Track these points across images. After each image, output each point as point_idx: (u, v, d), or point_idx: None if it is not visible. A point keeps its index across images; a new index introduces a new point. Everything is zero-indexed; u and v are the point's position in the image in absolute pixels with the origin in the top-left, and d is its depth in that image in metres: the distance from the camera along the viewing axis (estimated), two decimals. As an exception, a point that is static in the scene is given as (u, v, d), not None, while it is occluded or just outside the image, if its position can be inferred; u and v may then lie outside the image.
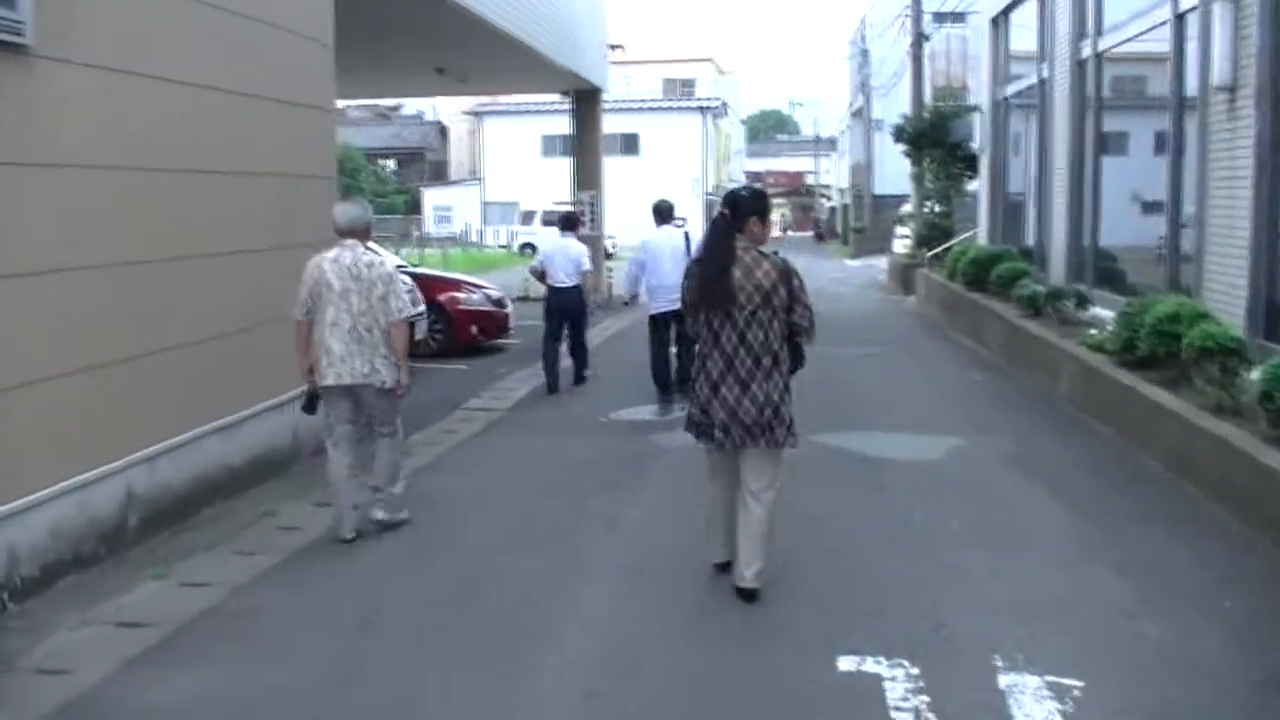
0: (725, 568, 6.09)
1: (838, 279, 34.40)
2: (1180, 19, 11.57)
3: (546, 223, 31.14)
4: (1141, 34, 12.93)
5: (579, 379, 13.37)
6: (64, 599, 6.05)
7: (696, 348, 6.02)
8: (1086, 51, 15.03)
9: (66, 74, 6.35)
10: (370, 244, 7.27)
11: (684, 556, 6.58)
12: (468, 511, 7.90)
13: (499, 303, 16.99)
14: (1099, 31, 14.58)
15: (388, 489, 7.23)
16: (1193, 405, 8.36)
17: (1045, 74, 17.17)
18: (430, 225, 41.03)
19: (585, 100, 24.38)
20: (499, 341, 17.24)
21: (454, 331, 16.08)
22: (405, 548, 7.03)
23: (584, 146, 24.52)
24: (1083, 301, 13.40)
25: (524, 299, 25.58)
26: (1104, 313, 13.29)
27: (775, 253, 6.00)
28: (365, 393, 6.97)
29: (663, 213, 12.44)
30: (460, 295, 16.25)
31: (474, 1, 14.96)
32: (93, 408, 6.65)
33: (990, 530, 7.17)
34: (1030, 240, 18.70)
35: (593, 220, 24.23)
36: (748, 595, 5.82)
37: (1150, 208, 13.69)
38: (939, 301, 21.19)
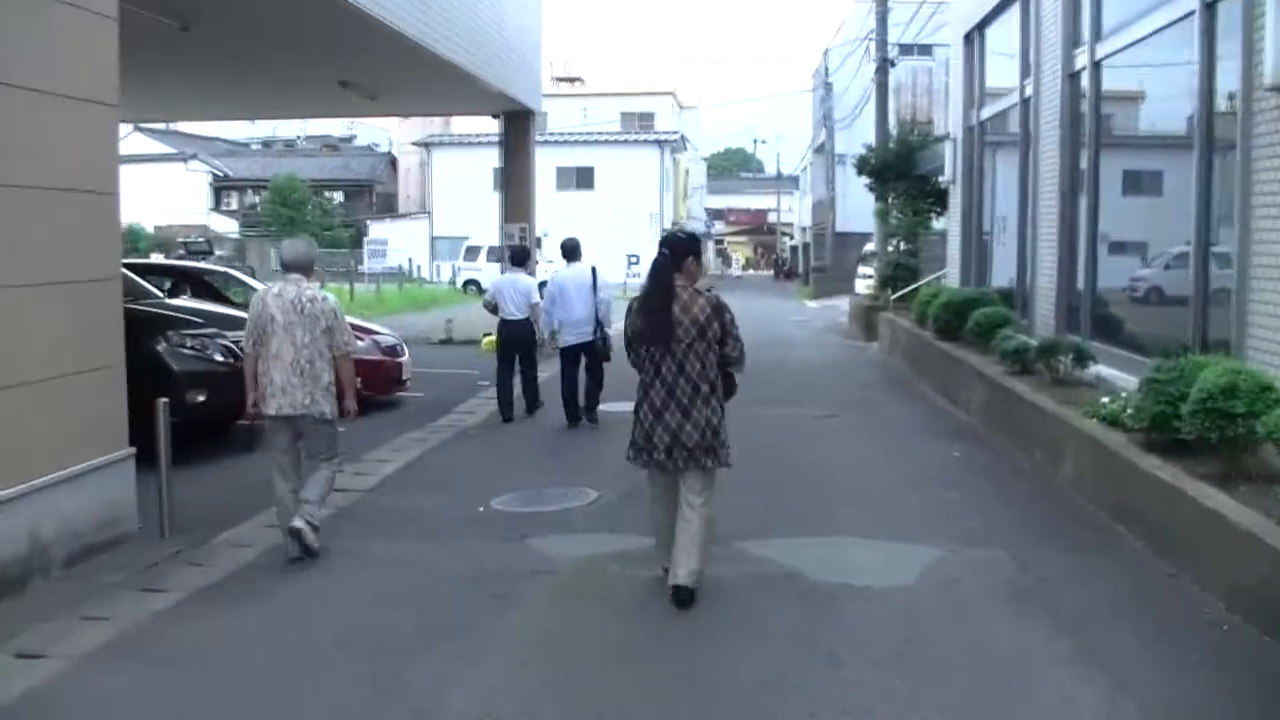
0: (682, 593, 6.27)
1: (797, 322, 32.01)
2: (1210, 8, 9.26)
3: (496, 259, 28.80)
4: (1155, 32, 10.61)
5: (531, 409, 13.39)
6: None
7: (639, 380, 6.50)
8: (1082, 61, 12.74)
9: None
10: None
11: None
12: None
13: (391, 350, 14.52)
14: (1097, 35, 12.29)
15: (315, 506, 7.27)
16: (1269, 519, 5.94)
17: (1029, 91, 14.88)
18: (365, 261, 38.21)
19: (516, 123, 21.97)
20: (397, 395, 14.77)
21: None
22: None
23: (514, 173, 22.08)
24: (1082, 357, 11.01)
25: (446, 342, 23.28)
26: (1108, 371, 10.99)
27: (710, 289, 6.66)
28: (304, 423, 7.25)
29: (570, 251, 12.99)
30: (359, 342, 13.66)
31: (369, 1, 12.57)
32: None
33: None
34: (1009, 282, 16.36)
35: (523, 255, 21.74)
36: (683, 593, 6.27)
37: (1164, 240, 11.45)
38: (905, 350, 18.81)
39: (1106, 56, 12.11)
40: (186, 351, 10.75)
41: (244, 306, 13.79)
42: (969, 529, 7.91)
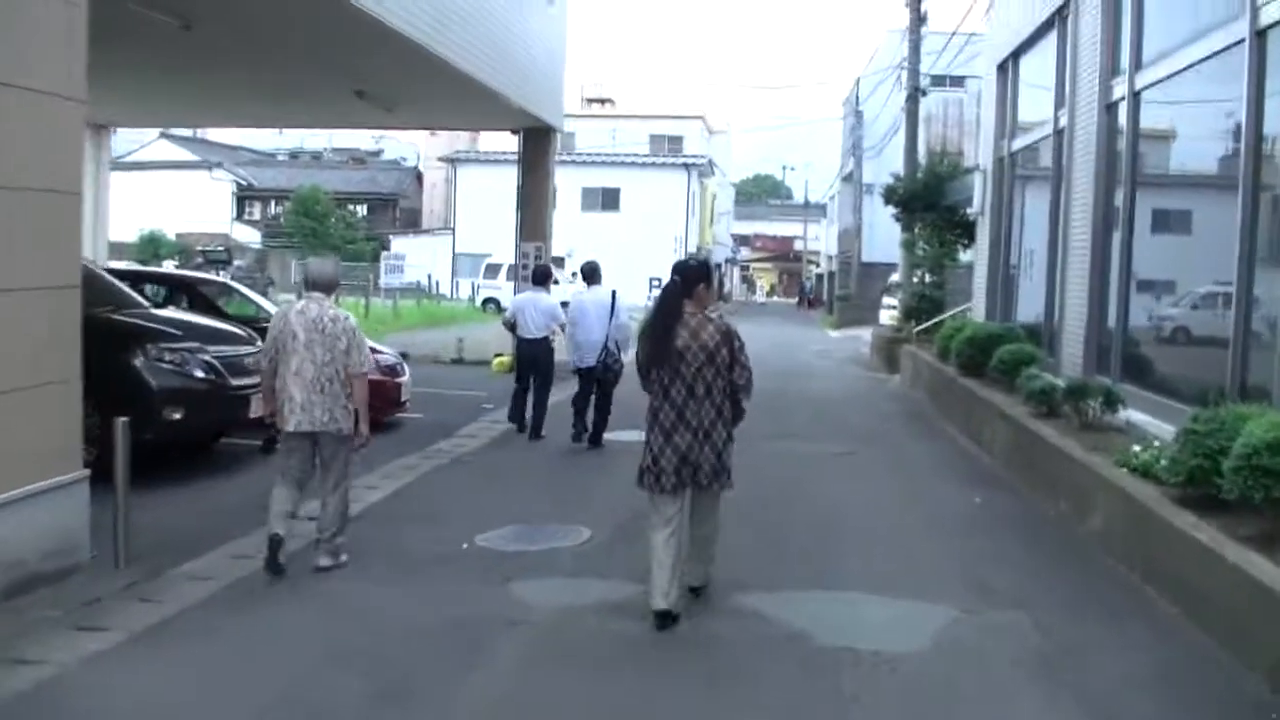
0: (666, 617, 6.34)
1: (818, 351, 31.39)
2: (1262, 36, 8.67)
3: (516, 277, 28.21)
4: (1201, 61, 10.01)
5: (536, 432, 13.25)
6: None
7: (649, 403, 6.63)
8: (1119, 91, 12.16)
9: None
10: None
11: None
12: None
13: (390, 370, 13.96)
14: (1137, 65, 11.70)
15: (332, 539, 7.44)
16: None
17: (1063, 122, 14.29)
18: (382, 275, 37.75)
19: (535, 140, 21.45)
20: (396, 416, 14.23)
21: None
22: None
23: (532, 191, 21.53)
24: (1112, 401, 10.40)
25: (458, 361, 22.76)
26: (1139, 417, 10.38)
27: (719, 316, 6.95)
28: (324, 439, 7.38)
29: (590, 274, 13.05)
30: (340, 359, 13.16)
31: (379, 8, 12.09)
32: None
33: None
34: (1036, 318, 15.74)
35: (538, 275, 21.23)
36: (698, 592, 6.81)
37: (1194, 279, 10.87)
38: (927, 385, 18.20)
39: (1146, 87, 11.51)
40: (165, 366, 10.24)
41: (238, 319, 13.55)
42: (988, 586, 7.31)
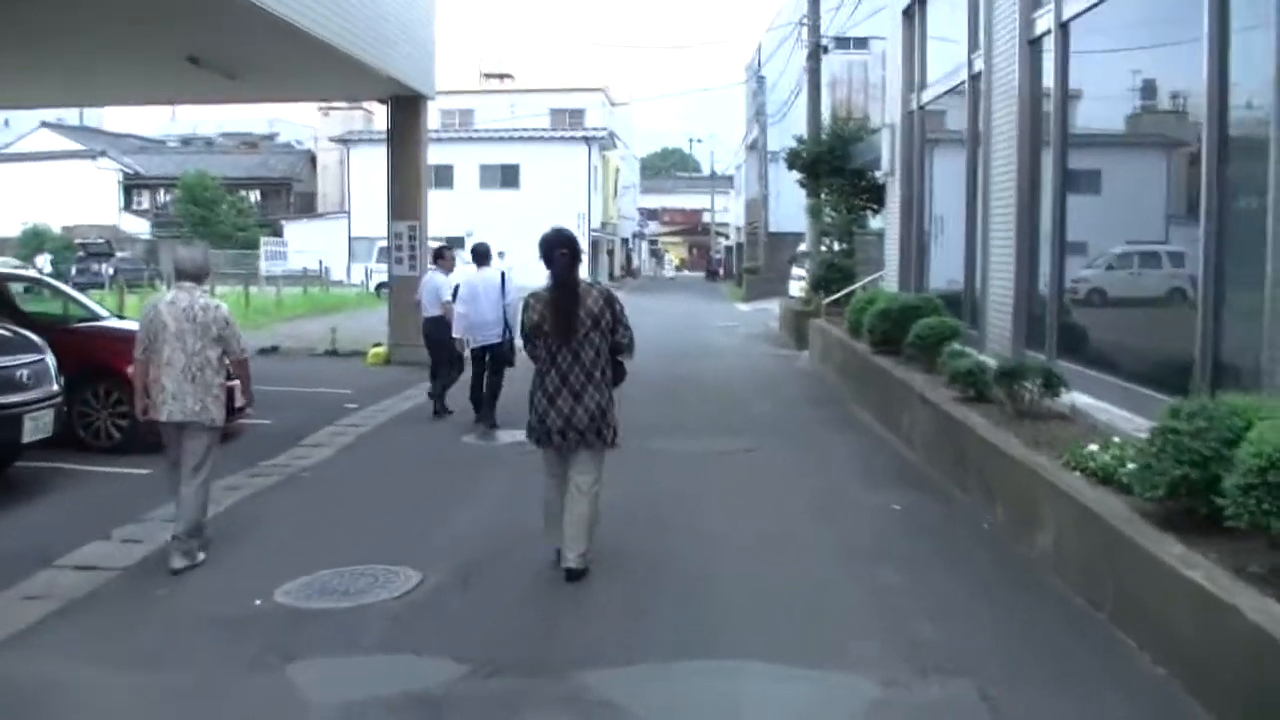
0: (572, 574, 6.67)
1: (723, 328, 29.70)
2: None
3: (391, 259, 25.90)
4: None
5: (440, 409, 13.51)
6: None
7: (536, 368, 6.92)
8: (1044, 24, 10.60)
9: None
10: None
11: None
12: None
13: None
14: (1064, -10, 10.16)
15: (188, 539, 7.22)
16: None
17: (979, 66, 12.75)
18: (263, 263, 35.49)
19: (404, 110, 19.50)
20: (235, 422, 12.28)
21: (147, 415, 11.13)
22: None
23: (402, 166, 19.55)
24: (1052, 383, 8.82)
25: (331, 353, 20.81)
26: (1085, 400, 8.88)
27: (598, 282, 8.18)
28: (191, 428, 7.28)
29: (480, 256, 13.16)
30: (157, 363, 11.27)
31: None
32: None
33: None
34: (955, 287, 14.23)
35: (412, 257, 19.35)
36: (575, 575, 6.70)
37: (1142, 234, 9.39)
38: (839, 363, 16.62)
39: (1076, 16, 9.96)
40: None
41: (43, 319, 11.68)
42: (918, 639, 5.63)
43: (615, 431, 6.93)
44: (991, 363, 10.11)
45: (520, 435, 11.22)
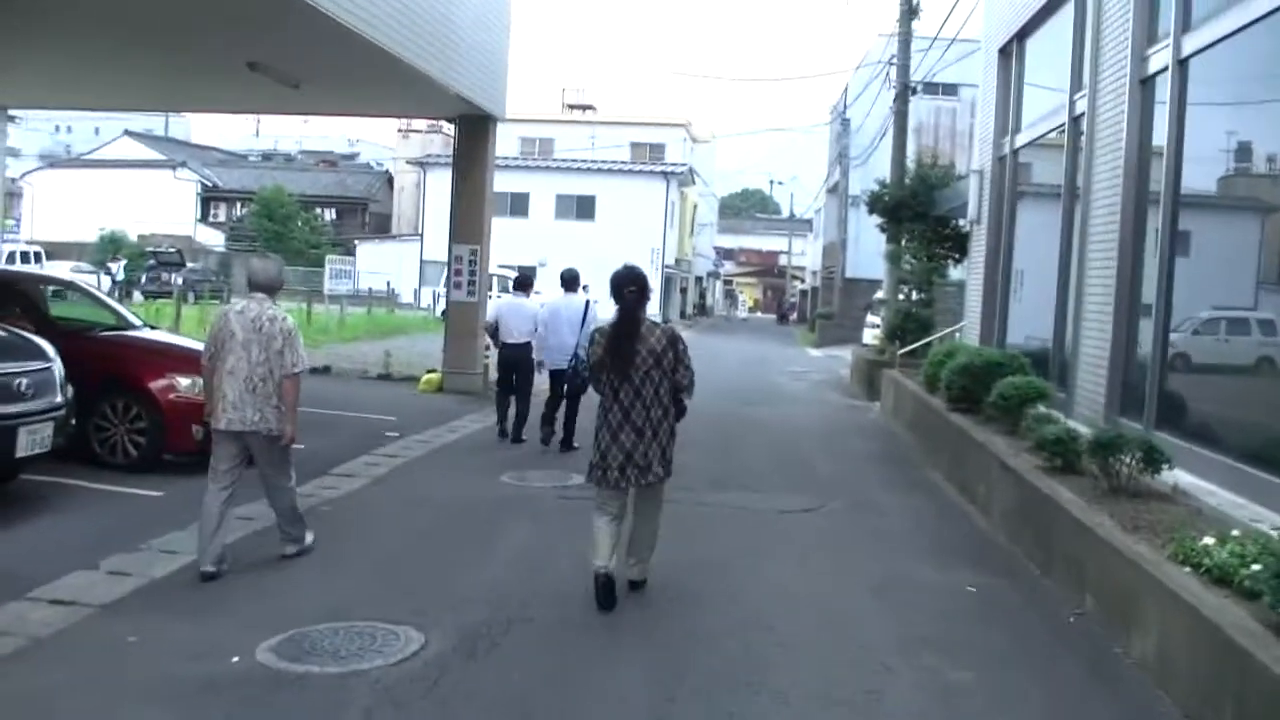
0: (608, 580, 6.79)
1: (794, 373, 28.71)
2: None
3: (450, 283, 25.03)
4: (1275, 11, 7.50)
5: (517, 436, 13.47)
6: None
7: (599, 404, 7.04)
8: (1160, 61, 9.66)
9: None
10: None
11: None
12: None
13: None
14: (1185, 26, 9.20)
15: (289, 529, 7.63)
16: None
17: (1081, 107, 11.81)
18: (327, 282, 35.01)
19: (471, 130, 18.83)
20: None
21: (166, 434, 10.44)
22: None
23: (467, 187, 18.87)
24: (1154, 459, 7.82)
25: (385, 377, 20.13)
26: (1190, 480, 7.88)
27: (666, 321, 8.00)
28: (254, 440, 7.33)
29: (568, 281, 13.29)
30: (182, 380, 10.56)
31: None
32: None
33: None
34: (1041, 344, 13.25)
35: (472, 283, 18.64)
36: (638, 585, 7.11)
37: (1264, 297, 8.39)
38: (911, 419, 15.63)
39: (1197, 53, 9.00)
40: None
41: (72, 324, 11.13)
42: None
43: (669, 464, 7.06)
44: (1082, 430, 9.14)
45: (560, 479, 10.53)
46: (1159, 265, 9.47)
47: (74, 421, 9.32)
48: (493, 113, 18.68)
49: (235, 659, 5.62)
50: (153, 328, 12.73)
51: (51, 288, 13.22)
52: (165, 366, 10.72)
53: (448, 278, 19.12)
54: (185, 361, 10.99)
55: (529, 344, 13.50)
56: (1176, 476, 8.00)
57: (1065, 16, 12.87)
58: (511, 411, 13.59)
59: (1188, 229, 9.44)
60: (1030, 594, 7.54)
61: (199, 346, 12.76)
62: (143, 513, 8.88)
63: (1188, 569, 5.80)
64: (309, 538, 7.70)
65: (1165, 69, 9.46)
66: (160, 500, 9.36)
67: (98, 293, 13.85)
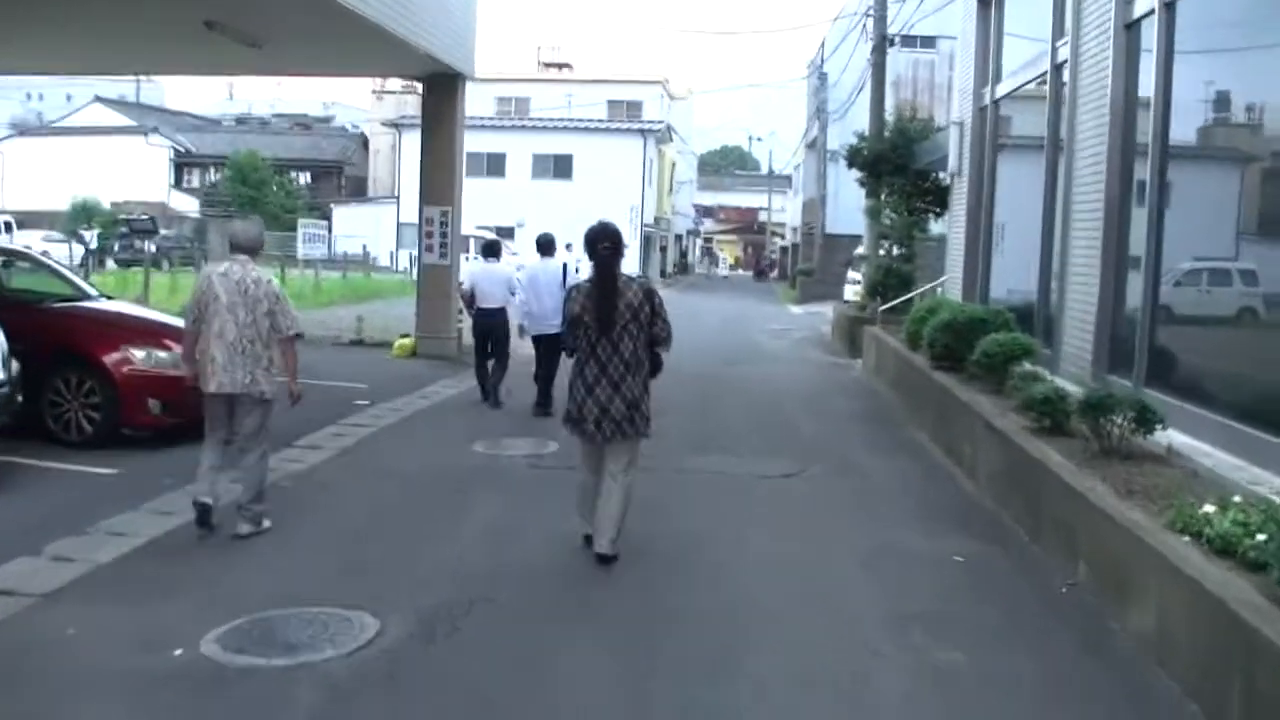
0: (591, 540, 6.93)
1: (774, 331, 28.38)
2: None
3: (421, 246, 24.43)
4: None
5: (495, 400, 13.44)
6: None
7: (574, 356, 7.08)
8: (1146, 4, 9.28)
9: None
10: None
11: None
12: None
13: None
14: (1172, -35, 8.84)
15: (250, 505, 7.36)
16: None
17: (1064, 54, 11.44)
18: (300, 246, 34.35)
19: (439, 89, 18.32)
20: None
21: (121, 408, 10.03)
22: None
23: (436, 148, 18.39)
24: (1148, 420, 7.50)
25: (357, 343, 19.74)
26: (1184, 441, 7.58)
27: (641, 276, 8.31)
28: (243, 401, 7.32)
29: (544, 246, 13.35)
30: (137, 352, 10.15)
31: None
32: None
33: None
34: (1025, 299, 12.93)
35: (444, 245, 18.21)
36: (605, 560, 6.84)
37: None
38: (893, 377, 15.32)
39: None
40: None
41: (6, 298, 10.73)
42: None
43: (648, 421, 7.06)
44: (1071, 389, 8.83)
45: (535, 448, 10.17)
46: (1147, 216, 9.12)
47: (20, 399, 8.92)
48: (462, 71, 18.18)
49: (178, 651, 5.29)
50: (109, 298, 12.29)
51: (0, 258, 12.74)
52: (119, 338, 10.32)
53: (419, 240, 18.67)
54: (140, 333, 10.63)
55: (504, 309, 13.48)
56: (1170, 437, 7.70)
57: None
58: (491, 378, 13.54)
59: (1174, 179, 9.10)
60: (1020, 562, 7.24)
61: (156, 317, 12.55)
62: (94, 492, 8.49)
63: (1187, 538, 5.49)
64: (265, 522, 7.44)
65: (1151, 12, 9.08)
66: (113, 479, 8.97)
67: (51, 262, 13.36)
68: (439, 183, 18.35)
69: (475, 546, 7.35)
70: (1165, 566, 5.30)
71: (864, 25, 27.21)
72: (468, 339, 15.89)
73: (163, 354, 10.20)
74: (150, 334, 10.66)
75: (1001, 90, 14.76)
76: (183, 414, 10.26)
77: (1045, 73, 12.30)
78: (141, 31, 15.55)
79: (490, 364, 13.61)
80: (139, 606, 5.96)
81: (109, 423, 10.00)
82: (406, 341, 18.40)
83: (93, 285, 12.50)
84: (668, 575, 6.76)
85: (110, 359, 10.05)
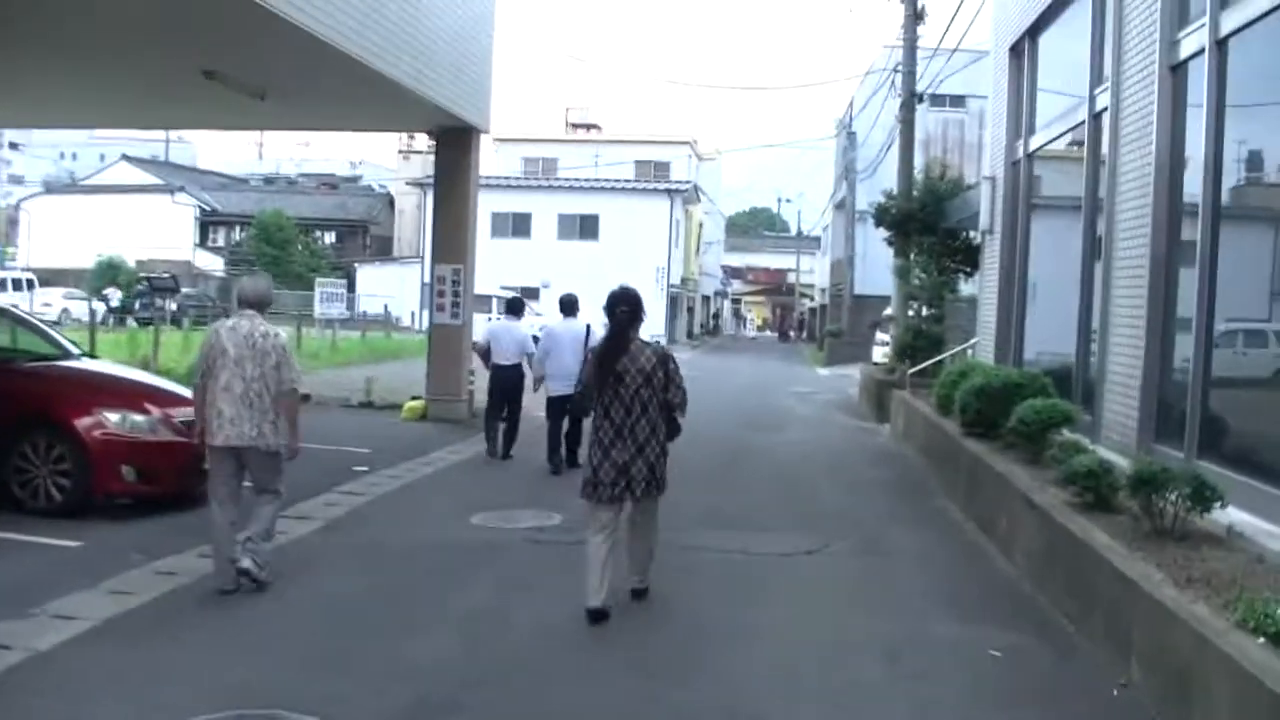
0: (599, 614, 6.77)
1: (800, 394, 27.57)
2: None
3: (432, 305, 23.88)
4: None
5: (506, 453, 13.70)
6: None
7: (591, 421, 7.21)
8: (1195, 44, 8.60)
9: None
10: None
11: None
12: None
13: (189, 428, 10.18)
14: (1222, 2, 8.15)
15: (259, 542, 7.34)
16: None
17: (1104, 102, 10.77)
18: (317, 305, 33.99)
19: (452, 143, 17.81)
20: (202, 489, 10.45)
21: (93, 474, 9.37)
22: None
23: (449, 204, 17.87)
24: (1204, 495, 6.72)
25: (366, 405, 19.09)
26: (1246, 520, 6.79)
27: (656, 341, 8.02)
28: (251, 454, 7.36)
29: (567, 306, 13.31)
30: (111, 416, 9.50)
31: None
32: None
33: None
34: (1062, 362, 12.19)
35: (455, 304, 17.61)
36: (640, 594, 7.29)
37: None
38: (923, 443, 14.55)
39: (1238, 30, 7.95)
40: None
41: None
42: None
43: (664, 484, 7.23)
44: (1114, 459, 8.07)
45: (540, 520, 9.50)
46: (1199, 273, 8.38)
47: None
48: (475, 124, 17.69)
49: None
50: (92, 357, 11.68)
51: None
52: (93, 401, 9.67)
53: (430, 299, 18.09)
54: (116, 395, 10.00)
55: (519, 365, 13.67)
56: (1229, 515, 6.92)
57: (1083, 4, 11.85)
58: (503, 430, 13.80)
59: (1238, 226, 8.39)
60: (1064, 657, 6.44)
61: (136, 377, 11.89)
62: (51, 567, 7.84)
63: (1261, 639, 4.71)
64: (266, 572, 7.31)
65: (1201, 51, 8.39)
66: (75, 552, 8.32)
67: (31, 318, 12.77)
68: (451, 239, 17.83)
69: (452, 638, 6.61)
70: (1238, 672, 4.53)
71: (892, 81, 26.64)
72: (479, 401, 15.32)
73: (139, 418, 9.59)
74: (127, 396, 10.02)
75: (1035, 143, 14.09)
76: (160, 482, 9.73)
77: (1083, 121, 11.62)
78: (143, 82, 15.15)
79: (502, 424, 13.80)
80: (64, 707, 5.26)
81: (79, 490, 9.35)
82: (417, 404, 17.77)
83: (75, 344, 11.83)
84: (666, 675, 5.99)
85: (81, 423, 9.40)
